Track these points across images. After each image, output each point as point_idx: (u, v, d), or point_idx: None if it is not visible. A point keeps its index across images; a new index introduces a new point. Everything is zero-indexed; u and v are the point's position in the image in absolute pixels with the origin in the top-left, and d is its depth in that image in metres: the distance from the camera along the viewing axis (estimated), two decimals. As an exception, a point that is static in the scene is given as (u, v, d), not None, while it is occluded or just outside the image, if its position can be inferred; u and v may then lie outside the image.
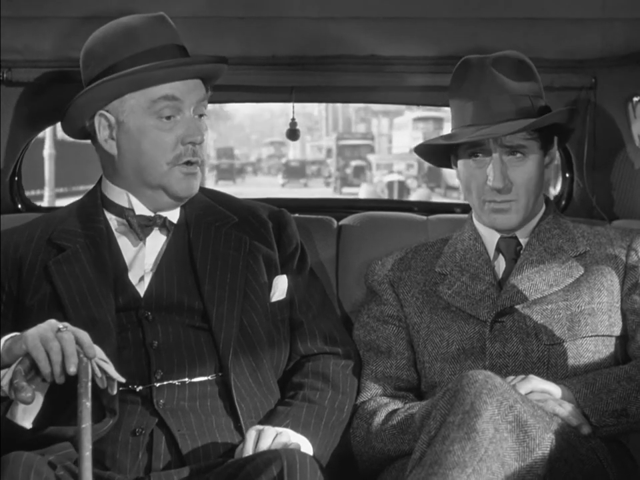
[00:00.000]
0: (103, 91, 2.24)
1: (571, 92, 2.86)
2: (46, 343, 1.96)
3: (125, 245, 2.30)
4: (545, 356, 2.29)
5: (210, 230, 2.32)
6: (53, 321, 2.02)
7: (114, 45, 2.25)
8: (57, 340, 1.96)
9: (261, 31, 2.73)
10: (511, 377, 2.19)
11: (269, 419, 2.21)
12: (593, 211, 2.96)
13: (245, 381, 2.22)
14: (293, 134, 2.98)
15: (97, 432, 2.05)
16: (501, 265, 2.41)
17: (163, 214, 2.31)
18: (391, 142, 39.78)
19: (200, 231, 2.31)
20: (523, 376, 2.19)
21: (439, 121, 31.69)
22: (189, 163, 2.26)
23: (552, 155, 2.43)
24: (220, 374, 2.20)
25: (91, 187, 2.39)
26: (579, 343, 2.30)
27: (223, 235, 2.31)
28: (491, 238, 2.43)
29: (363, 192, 24.76)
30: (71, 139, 2.50)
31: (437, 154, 2.51)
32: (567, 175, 3.05)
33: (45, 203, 14.10)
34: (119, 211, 2.31)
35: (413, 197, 24.16)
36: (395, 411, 2.29)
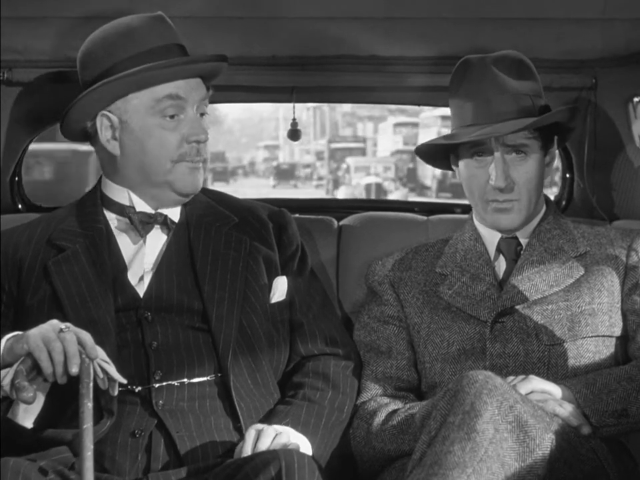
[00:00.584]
0: (107, 92, 2.23)
1: (571, 92, 2.85)
2: (48, 343, 1.96)
3: (125, 243, 2.29)
4: (546, 356, 2.28)
5: (210, 230, 2.31)
6: (55, 322, 2.02)
7: (114, 46, 2.24)
8: (59, 340, 1.96)
9: (261, 31, 2.73)
10: (511, 377, 2.19)
11: (269, 417, 2.21)
12: (593, 211, 2.96)
13: (244, 381, 2.21)
14: (294, 134, 2.98)
15: (96, 433, 2.04)
16: (501, 265, 2.41)
17: (164, 212, 2.31)
18: (376, 145, 40.42)
19: (200, 232, 2.31)
20: (523, 376, 2.19)
21: (416, 126, 32.99)
22: (193, 160, 2.26)
23: (552, 155, 2.43)
24: (219, 374, 2.20)
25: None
26: (580, 343, 2.30)
27: (223, 235, 2.31)
28: (491, 238, 2.43)
29: (341, 194, 25.21)
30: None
31: (437, 155, 2.50)
32: (568, 176, 3.05)
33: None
34: (120, 209, 2.30)
35: (393, 197, 24.81)
36: (395, 411, 2.29)
